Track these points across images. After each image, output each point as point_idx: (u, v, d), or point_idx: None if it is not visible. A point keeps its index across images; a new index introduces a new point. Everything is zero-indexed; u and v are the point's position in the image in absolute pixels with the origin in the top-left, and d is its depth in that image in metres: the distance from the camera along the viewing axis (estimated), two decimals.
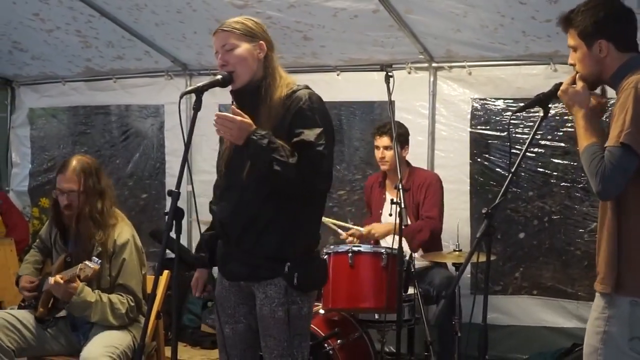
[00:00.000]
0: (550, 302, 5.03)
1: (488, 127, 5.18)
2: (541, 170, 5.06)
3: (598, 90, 2.58)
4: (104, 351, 3.37)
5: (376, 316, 4.18)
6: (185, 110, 5.37)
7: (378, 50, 5.09)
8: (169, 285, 3.86)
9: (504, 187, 2.57)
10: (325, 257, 4.01)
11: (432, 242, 4.57)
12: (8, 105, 6.69)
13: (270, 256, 2.72)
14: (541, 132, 4.96)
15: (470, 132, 5.20)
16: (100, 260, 3.42)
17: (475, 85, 5.17)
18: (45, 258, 3.86)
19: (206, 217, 3.87)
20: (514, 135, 4.98)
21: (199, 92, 2.61)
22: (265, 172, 2.61)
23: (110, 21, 5.15)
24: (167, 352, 3.12)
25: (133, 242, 3.66)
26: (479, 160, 5.22)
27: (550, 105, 2.70)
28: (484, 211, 2.52)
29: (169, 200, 2.54)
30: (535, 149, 5.02)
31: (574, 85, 2.52)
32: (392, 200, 3.69)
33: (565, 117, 4.85)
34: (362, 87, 5.44)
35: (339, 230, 4.63)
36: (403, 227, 3.63)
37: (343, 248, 4.04)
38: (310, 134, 2.63)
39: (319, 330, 3.94)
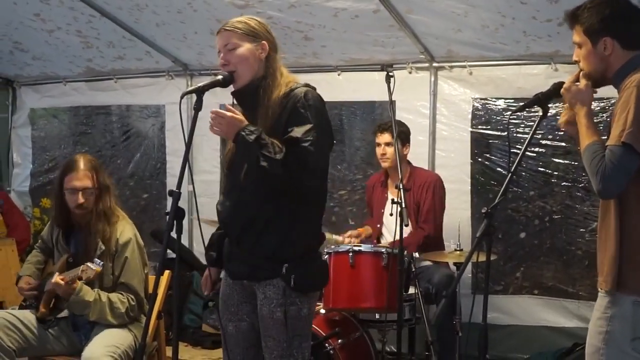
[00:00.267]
0: (551, 301, 5.03)
1: (489, 127, 5.18)
2: (542, 169, 5.06)
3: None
4: (105, 351, 3.38)
5: (377, 316, 4.18)
6: (186, 110, 5.37)
7: (379, 50, 5.10)
8: (170, 285, 3.86)
9: (504, 186, 2.56)
10: (326, 257, 4.01)
11: (432, 242, 4.58)
12: (9, 106, 6.69)
13: (269, 256, 2.72)
14: (542, 132, 4.97)
15: (471, 131, 5.20)
16: (102, 262, 3.44)
17: (476, 85, 5.17)
18: (47, 258, 3.87)
19: (207, 216, 3.88)
20: (514, 134, 4.99)
21: (200, 92, 2.62)
22: (254, 169, 2.61)
23: (111, 21, 5.16)
24: (168, 352, 3.12)
25: (135, 241, 3.68)
26: (479, 159, 5.22)
27: (550, 105, 2.70)
28: (483, 211, 2.51)
29: (169, 200, 2.54)
30: (536, 149, 5.02)
31: (577, 84, 2.52)
32: (392, 199, 3.70)
33: None
34: (363, 87, 5.44)
35: (338, 238, 4.63)
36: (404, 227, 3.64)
37: (344, 248, 4.04)
38: (298, 131, 2.63)
39: (319, 330, 3.95)
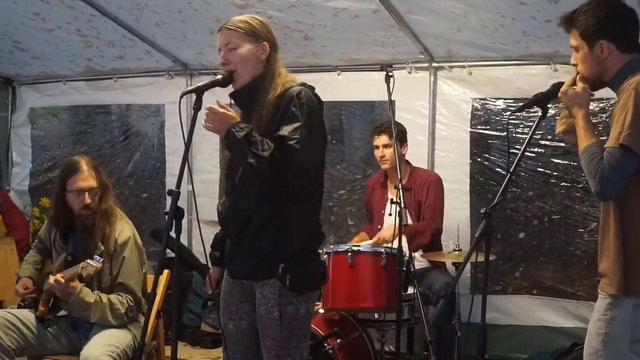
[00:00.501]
0: (550, 301, 5.03)
1: (488, 127, 5.18)
2: (541, 170, 5.06)
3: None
4: (104, 350, 3.38)
5: (376, 315, 4.18)
6: (186, 110, 5.38)
7: (378, 50, 5.10)
8: (169, 284, 3.87)
9: (503, 186, 2.57)
10: (325, 256, 4.02)
11: (432, 242, 4.58)
12: (9, 105, 6.69)
13: (266, 256, 2.73)
14: (541, 132, 4.97)
15: (471, 132, 5.20)
16: (102, 259, 3.44)
17: (475, 85, 5.17)
18: (45, 258, 3.87)
19: (206, 216, 3.89)
20: (514, 135, 4.99)
21: (200, 91, 2.63)
22: (243, 166, 2.63)
23: (111, 21, 5.16)
24: (167, 351, 3.13)
25: (134, 241, 3.68)
26: (479, 160, 5.22)
27: (549, 105, 2.70)
28: (482, 211, 2.52)
29: (169, 200, 2.55)
30: (536, 149, 5.02)
31: (574, 87, 2.52)
32: (392, 200, 3.70)
33: None
34: (363, 87, 5.44)
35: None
36: (405, 226, 3.63)
37: (343, 248, 4.04)
38: (286, 129, 2.63)
39: (318, 330, 3.95)
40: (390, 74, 3.81)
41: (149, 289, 3.69)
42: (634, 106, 2.29)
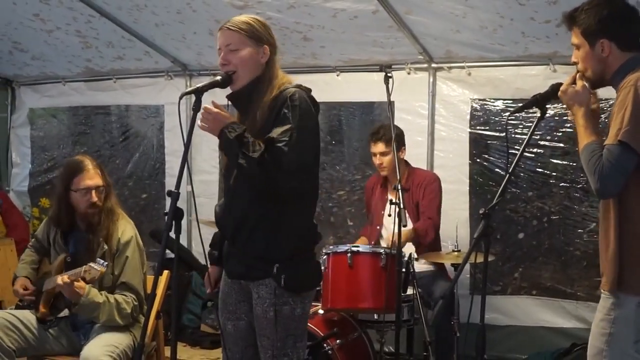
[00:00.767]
0: (550, 302, 5.03)
1: (487, 128, 5.18)
2: (540, 170, 5.06)
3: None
4: (104, 350, 3.38)
5: (375, 316, 4.18)
6: (185, 111, 5.39)
7: (378, 50, 5.10)
8: (168, 285, 3.87)
9: (502, 187, 2.57)
10: (325, 257, 4.02)
11: (432, 243, 4.58)
12: (8, 106, 6.69)
13: (259, 256, 2.75)
14: (540, 133, 4.97)
15: (470, 132, 5.20)
16: (106, 263, 3.43)
17: (474, 85, 5.17)
18: (42, 257, 3.87)
19: (206, 217, 3.89)
20: (513, 135, 5.00)
21: (199, 92, 2.64)
22: (235, 166, 2.65)
23: (110, 21, 5.16)
24: (167, 352, 3.13)
25: (135, 240, 3.69)
26: (478, 160, 5.22)
27: (548, 106, 2.70)
28: (481, 211, 2.52)
29: (168, 201, 2.55)
30: (535, 150, 5.02)
31: (574, 85, 2.52)
32: (391, 200, 3.70)
33: (565, 118, 4.85)
34: (362, 88, 5.44)
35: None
36: (405, 226, 3.64)
37: (342, 248, 4.04)
38: (276, 131, 2.65)
39: (318, 330, 3.95)
40: (389, 74, 3.81)
41: (149, 289, 3.69)
42: (632, 103, 2.30)
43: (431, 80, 5.25)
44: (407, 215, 3.66)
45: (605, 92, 2.65)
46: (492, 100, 5.18)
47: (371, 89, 5.24)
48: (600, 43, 2.47)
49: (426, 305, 4.36)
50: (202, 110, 2.66)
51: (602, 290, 2.46)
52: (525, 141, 2.63)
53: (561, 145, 4.98)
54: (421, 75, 5.28)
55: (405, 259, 3.93)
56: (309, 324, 3.87)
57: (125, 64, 5.97)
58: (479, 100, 5.20)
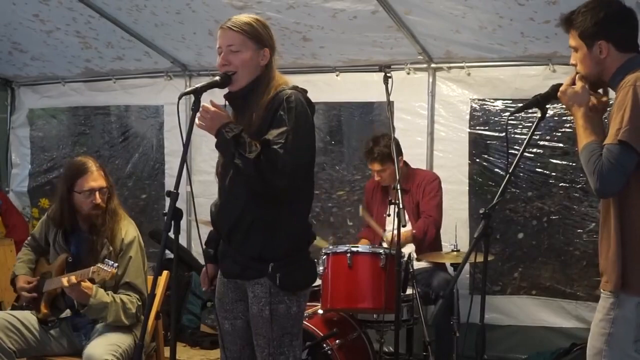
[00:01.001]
0: (549, 302, 5.03)
1: (487, 128, 5.19)
2: (540, 170, 5.06)
3: (600, 90, 2.59)
4: (107, 349, 3.39)
5: (375, 316, 4.19)
6: (185, 111, 5.39)
7: (377, 51, 5.10)
8: (168, 285, 3.87)
9: (502, 187, 2.57)
10: (324, 257, 4.03)
11: (432, 242, 4.58)
12: (8, 106, 6.69)
13: (255, 257, 2.77)
14: (540, 133, 4.97)
15: (469, 132, 5.20)
16: (116, 264, 3.43)
17: (474, 85, 5.18)
18: (38, 257, 3.86)
19: (205, 217, 3.88)
20: (513, 135, 5.00)
21: (198, 93, 2.65)
22: (231, 166, 2.66)
23: (109, 22, 5.16)
24: (167, 352, 3.13)
25: (138, 241, 3.70)
26: (477, 160, 5.22)
27: (548, 106, 2.70)
28: (481, 212, 2.52)
29: (168, 201, 2.55)
30: (534, 150, 5.02)
31: (573, 86, 2.53)
32: (390, 200, 3.70)
33: (564, 118, 4.85)
34: (361, 88, 5.44)
35: (380, 230, 4.62)
36: (404, 226, 3.64)
37: (342, 248, 4.04)
38: (272, 133, 2.66)
39: (317, 330, 3.95)
40: (388, 74, 3.81)
41: (149, 289, 3.69)
42: (631, 103, 2.31)
43: (431, 80, 5.25)
44: (406, 216, 3.66)
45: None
46: (491, 101, 5.18)
47: (371, 89, 5.24)
48: (597, 45, 2.47)
49: (426, 300, 4.35)
50: (200, 109, 2.66)
51: (601, 290, 2.46)
52: (525, 141, 2.63)
53: (561, 145, 4.98)
54: (420, 75, 5.28)
55: (405, 259, 3.93)
56: (308, 324, 3.90)
57: (125, 65, 5.97)
58: (479, 100, 5.20)
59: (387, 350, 4.68)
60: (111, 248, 3.59)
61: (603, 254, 2.47)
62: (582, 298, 4.90)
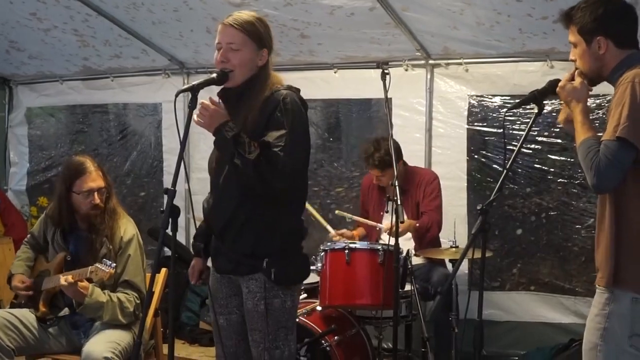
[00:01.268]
0: (548, 297, 5.04)
1: (485, 124, 5.19)
2: (538, 166, 5.06)
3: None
4: (106, 347, 3.39)
5: (373, 312, 4.19)
6: (182, 109, 5.36)
7: (375, 47, 5.10)
8: (166, 282, 3.87)
9: (499, 183, 2.57)
10: (322, 253, 4.03)
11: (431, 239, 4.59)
12: (6, 105, 6.69)
13: (249, 254, 2.78)
14: (538, 129, 4.98)
15: (467, 128, 5.21)
16: (114, 264, 3.44)
17: (472, 82, 5.17)
18: (37, 255, 3.86)
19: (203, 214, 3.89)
20: (510, 131, 5.00)
21: (195, 90, 2.65)
22: (229, 166, 2.67)
23: (107, 20, 5.16)
24: (166, 349, 3.13)
25: (137, 239, 3.70)
26: (476, 156, 5.22)
27: (545, 102, 2.70)
28: (479, 207, 2.52)
29: (166, 198, 2.55)
30: (532, 146, 5.03)
31: (572, 82, 2.53)
32: (387, 197, 3.70)
33: None
34: (359, 85, 5.44)
35: (331, 231, 4.63)
36: (402, 222, 3.64)
37: (340, 245, 4.04)
38: (271, 135, 2.68)
39: (316, 327, 3.95)
40: (386, 71, 3.81)
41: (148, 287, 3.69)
42: (630, 99, 2.31)
43: (428, 76, 5.25)
44: (404, 212, 3.66)
45: (603, 89, 2.65)
46: (489, 97, 5.18)
47: (368, 85, 5.24)
48: (596, 41, 2.47)
49: (425, 296, 4.35)
50: (199, 106, 2.66)
51: (597, 286, 2.46)
52: (523, 137, 2.63)
53: (559, 141, 4.98)
54: (418, 71, 5.28)
55: (403, 255, 3.93)
56: (307, 321, 3.90)
57: (123, 63, 5.97)
58: (477, 96, 5.21)
59: (385, 346, 4.68)
60: (110, 246, 3.59)
61: (598, 250, 2.48)
62: (580, 294, 4.91)
